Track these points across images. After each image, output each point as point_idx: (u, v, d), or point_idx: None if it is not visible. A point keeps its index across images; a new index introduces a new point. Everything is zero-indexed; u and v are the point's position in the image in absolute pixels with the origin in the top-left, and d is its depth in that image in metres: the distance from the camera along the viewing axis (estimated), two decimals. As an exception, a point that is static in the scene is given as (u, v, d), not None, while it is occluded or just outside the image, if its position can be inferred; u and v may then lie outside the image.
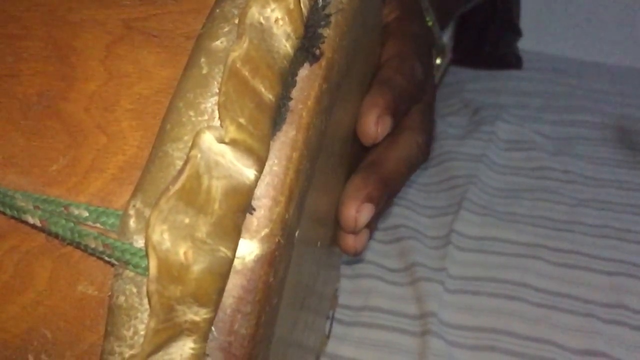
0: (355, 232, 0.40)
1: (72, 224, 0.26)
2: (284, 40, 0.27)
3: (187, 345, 0.25)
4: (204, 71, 0.27)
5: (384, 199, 0.41)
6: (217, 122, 0.26)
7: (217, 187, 0.25)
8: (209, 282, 0.25)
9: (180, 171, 0.24)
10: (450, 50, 0.67)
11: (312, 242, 0.36)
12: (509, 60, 0.85)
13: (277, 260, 0.27)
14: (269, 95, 0.26)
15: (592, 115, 0.76)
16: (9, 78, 0.30)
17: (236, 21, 0.27)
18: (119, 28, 0.30)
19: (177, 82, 0.27)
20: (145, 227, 0.24)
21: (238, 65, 0.25)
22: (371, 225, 0.41)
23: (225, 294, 0.26)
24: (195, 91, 0.26)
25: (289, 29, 0.27)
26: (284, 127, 0.27)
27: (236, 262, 0.26)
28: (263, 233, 0.26)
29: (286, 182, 0.27)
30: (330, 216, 0.40)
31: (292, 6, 0.27)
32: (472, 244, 0.60)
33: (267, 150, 0.26)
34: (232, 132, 0.25)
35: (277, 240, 0.27)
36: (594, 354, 0.51)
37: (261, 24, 0.26)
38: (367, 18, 0.36)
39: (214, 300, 0.25)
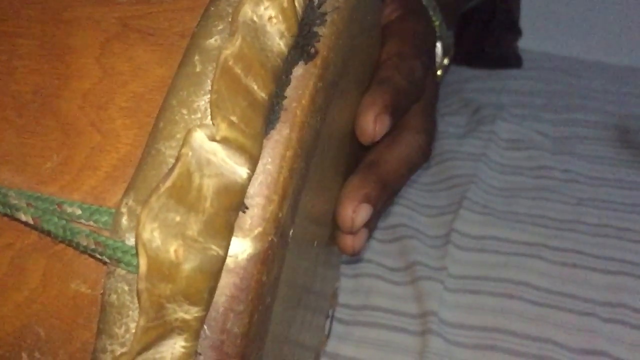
0: (352, 232, 0.40)
1: (64, 222, 0.26)
2: (277, 39, 0.27)
3: (178, 344, 0.25)
4: (198, 69, 0.27)
5: (383, 199, 0.41)
6: (209, 120, 0.25)
7: (209, 185, 0.25)
8: (199, 280, 0.25)
9: (171, 169, 0.24)
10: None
11: (309, 241, 0.36)
12: (509, 59, 0.84)
13: (270, 259, 0.27)
14: (261, 94, 0.26)
15: (593, 115, 0.76)
16: (4, 76, 0.30)
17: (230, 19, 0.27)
18: (114, 26, 0.30)
19: (171, 80, 0.27)
20: (136, 225, 0.24)
21: (230, 63, 0.25)
22: (370, 225, 0.41)
23: (218, 292, 0.26)
24: (188, 89, 0.26)
25: (282, 27, 0.27)
26: (278, 126, 0.27)
27: (229, 261, 0.26)
28: (256, 232, 0.26)
29: (280, 181, 0.27)
30: (328, 215, 0.40)
31: (285, 4, 0.27)
32: (472, 243, 0.60)
33: (260, 149, 0.26)
34: (224, 130, 0.25)
35: (270, 239, 0.26)
36: (594, 353, 0.51)
37: (254, 21, 0.26)
38: (364, 17, 0.36)
39: (205, 299, 0.25)
